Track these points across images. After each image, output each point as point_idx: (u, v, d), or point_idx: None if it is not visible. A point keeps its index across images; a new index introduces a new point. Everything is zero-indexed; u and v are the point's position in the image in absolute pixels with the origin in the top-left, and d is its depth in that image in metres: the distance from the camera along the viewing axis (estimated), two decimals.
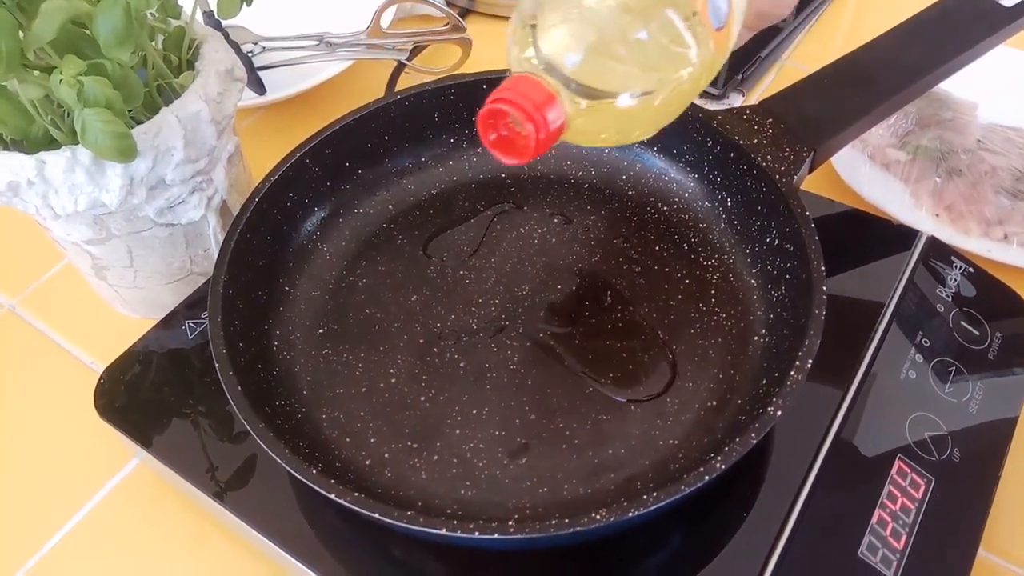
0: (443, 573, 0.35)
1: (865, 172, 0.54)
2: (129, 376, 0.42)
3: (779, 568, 0.34)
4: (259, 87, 0.59)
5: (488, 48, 0.67)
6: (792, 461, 0.37)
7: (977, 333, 0.42)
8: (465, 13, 0.72)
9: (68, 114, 0.41)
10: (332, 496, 0.30)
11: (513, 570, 0.35)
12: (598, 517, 0.29)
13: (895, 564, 0.34)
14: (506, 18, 0.71)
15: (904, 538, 0.35)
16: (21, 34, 0.36)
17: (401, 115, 0.46)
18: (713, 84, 0.62)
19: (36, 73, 0.39)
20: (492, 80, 0.46)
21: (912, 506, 0.36)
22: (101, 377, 0.42)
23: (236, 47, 0.57)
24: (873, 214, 0.47)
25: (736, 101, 0.62)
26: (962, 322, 0.42)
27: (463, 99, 0.47)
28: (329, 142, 0.44)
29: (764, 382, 0.37)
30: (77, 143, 0.39)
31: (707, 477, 0.30)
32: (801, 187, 0.45)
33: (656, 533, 0.36)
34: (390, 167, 0.47)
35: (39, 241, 0.54)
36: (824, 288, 0.35)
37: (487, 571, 0.35)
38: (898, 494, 0.36)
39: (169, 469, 0.39)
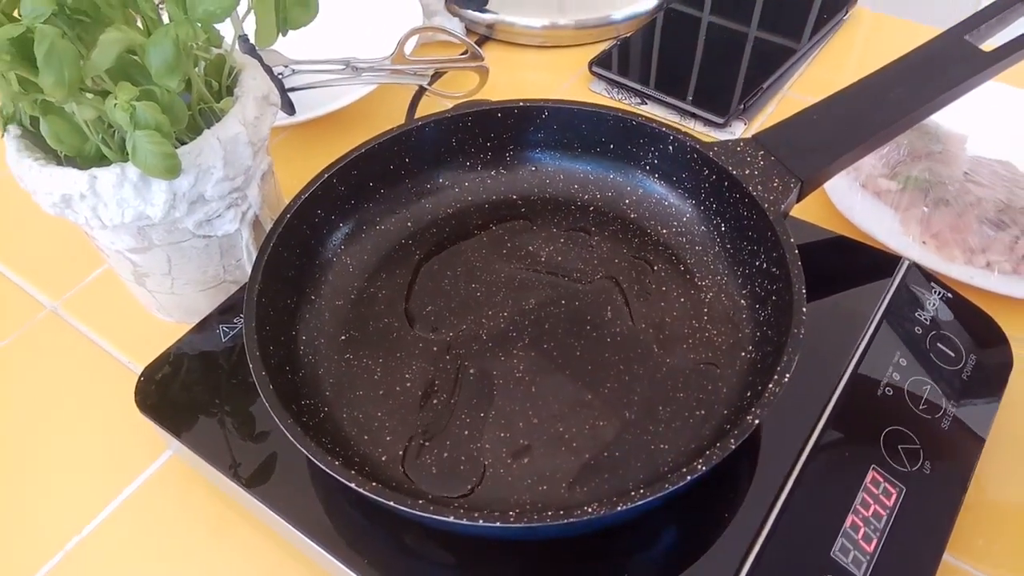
0: (450, 561, 0.38)
1: (857, 200, 0.57)
2: (166, 373, 0.46)
3: (756, 564, 0.36)
4: (289, 108, 0.63)
5: (504, 74, 0.71)
6: (774, 467, 0.39)
7: (952, 355, 0.45)
8: (483, 41, 0.75)
9: (116, 133, 0.44)
10: (352, 485, 0.33)
11: (514, 560, 0.38)
12: (590, 510, 0.32)
13: (865, 565, 0.37)
14: (522, 46, 0.75)
15: (875, 542, 0.38)
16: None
17: (421, 140, 0.49)
18: (717, 113, 0.65)
19: (90, 96, 0.43)
20: (506, 109, 0.50)
21: (883, 512, 0.39)
22: (141, 375, 0.45)
23: (268, 70, 0.61)
24: (859, 241, 0.50)
25: (738, 129, 0.65)
26: (939, 344, 0.45)
27: (479, 126, 0.50)
28: (355, 164, 0.47)
29: (748, 394, 0.40)
30: (126, 160, 0.42)
31: (689, 477, 0.33)
32: (795, 214, 0.48)
33: (647, 531, 0.38)
34: (410, 187, 0.50)
35: (80, 247, 0.58)
36: (804, 309, 0.38)
37: (490, 560, 0.38)
38: (871, 501, 0.39)
39: (201, 459, 0.42)
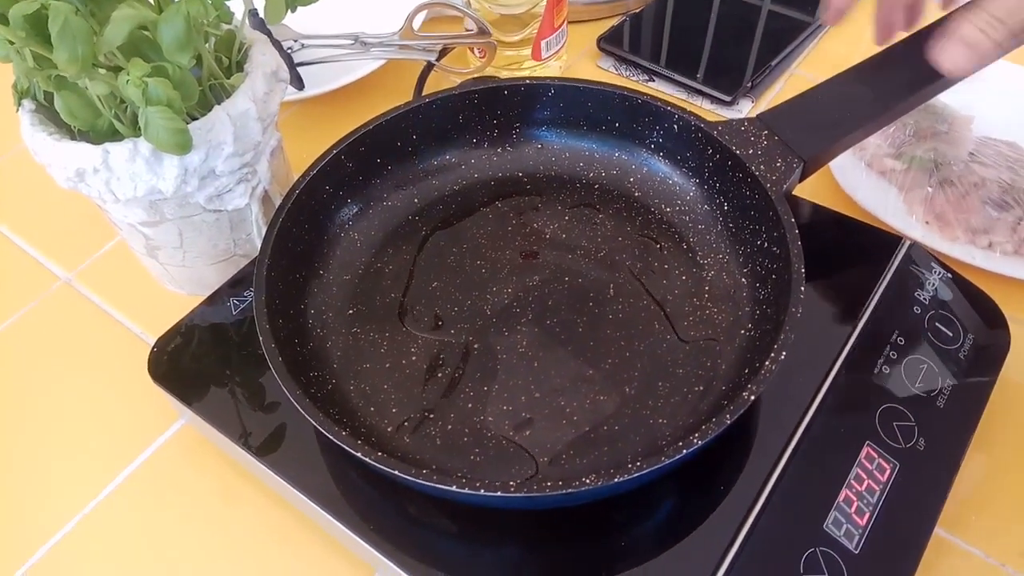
0: (452, 530, 0.39)
1: (862, 179, 0.58)
2: (178, 345, 0.47)
3: (750, 536, 0.37)
4: (298, 83, 0.63)
5: None
6: (770, 442, 0.40)
7: (951, 334, 0.46)
8: None
9: (129, 109, 0.45)
10: (358, 455, 0.34)
11: (514, 529, 0.39)
12: (588, 482, 0.33)
13: (857, 538, 0.38)
14: None
15: (867, 515, 0.39)
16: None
17: (428, 117, 0.50)
18: (724, 91, 0.65)
19: (103, 72, 0.43)
20: (512, 87, 0.50)
21: (877, 487, 0.40)
22: (154, 346, 0.46)
23: (278, 45, 0.61)
24: (861, 220, 0.50)
25: (745, 107, 0.66)
26: (937, 324, 0.46)
27: (485, 103, 0.50)
28: (363, 140, 0.48)
29: (746, 371, 0.40)
30: (138, 135, 0.43)
31: (685, 451, 0.34)
32: (799, 192, 0.49)
33: (645, 502, 0.39)
34: (417, 164, 0.51)
35: (94, 219, 0.59)
36: (802, 288, 0.39)
37: (491, 529, 0.39)
38: (864, 476, 0.40)
39: (212, 428, 0.43)
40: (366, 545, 0.38)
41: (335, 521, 0.39)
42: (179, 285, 0.55)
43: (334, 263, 0.47)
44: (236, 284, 0.49)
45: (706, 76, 0.66)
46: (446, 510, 0.39)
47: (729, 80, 0.66)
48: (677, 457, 0.34)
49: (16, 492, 0.47)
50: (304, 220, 0.46)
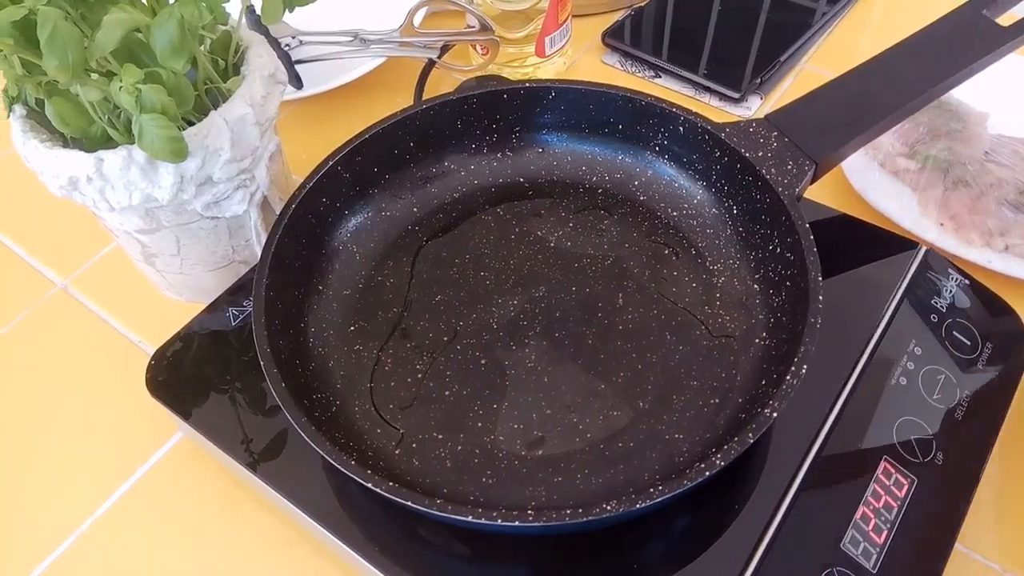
0: (464, 551, 0.38)
1: (875, 179, 0.56)
2: (176, 357, 0.45)
3: (766, 556, 0.36)
4: (297, 82, 0.61)
5: None
6: (786, 457, 0.39)
7: (968, 343, 0.44)
8: None
9: (123, 114, 0.44)
10: (369, 485, 0.33)
11: (528, 548, 0.38)
12: (608, 508, 0.32)
13: (875, 557, 0.37)
14: None
15: (885, 533, 0.38)
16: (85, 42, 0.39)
17: (426, 123, 0.48)
18: (733, 87, 0.63)
19: (96, 77, 0.42)
20: (512, 90, 0.49)
21: (895, 504, 0.39)
22: (152, 358, 0.45)
23: (276, 43, 0.59)
24: (876, 225, 0.49)
25: (754, 104, 0.64)
26: (955, 332, 0.45)
27: (484, 108, 0.49)
28: (359, 150, 0.46)
29: (763, 382, 0.39)
30: (132, 142, 0.42)
31: (708, 472, 0.33)
32: (810, 194, 0.47)
33: (661, 519, 0.38)
34: (415, 172, 0.49)
35: (90, 223, 0.57)
36: (821, 298, 0.38)
37: (504, 548, 0.38)
38: (882, 492, 0.39)
39: (210, 442, 0.42)
40: (369, 565, 0.37)
41: (338, 541, 0.38)
42: (177, 292, 0.54)
43: (333, 278, 0.46)
44: (235, 292, 0.48)
45: (713, 72, 0.65)
46: (453, 530, 0.38)
47: (737, 76, 0.64)
48: (699, 480, 0.33)
49: (12, 507, 0.46)
50: (301, 235, 0.44)
